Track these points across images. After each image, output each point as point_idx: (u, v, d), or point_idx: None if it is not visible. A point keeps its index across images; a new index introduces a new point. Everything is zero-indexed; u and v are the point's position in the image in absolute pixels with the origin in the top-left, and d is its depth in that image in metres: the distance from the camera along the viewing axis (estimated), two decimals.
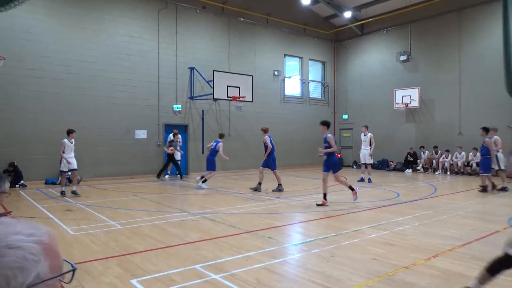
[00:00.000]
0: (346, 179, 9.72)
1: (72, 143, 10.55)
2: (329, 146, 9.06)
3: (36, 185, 12.59)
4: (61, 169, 10.71)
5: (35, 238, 0.81)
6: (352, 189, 9.08)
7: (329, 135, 9.17)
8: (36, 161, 12.98)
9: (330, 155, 9.10)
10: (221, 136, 12.66)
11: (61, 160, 10.66)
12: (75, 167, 10.56)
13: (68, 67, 13.65)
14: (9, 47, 12.36)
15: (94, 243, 5.58)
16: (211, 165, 12.20)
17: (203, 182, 12.12)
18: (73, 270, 0.90)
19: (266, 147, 11.56)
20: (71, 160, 10.42)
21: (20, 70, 12.68)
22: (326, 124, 9.39)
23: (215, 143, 12.27)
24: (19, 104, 12.73)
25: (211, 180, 12.72)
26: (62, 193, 10.37)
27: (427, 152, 18.02)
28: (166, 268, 4.46)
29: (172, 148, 14.39)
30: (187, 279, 4.11)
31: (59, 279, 0.84)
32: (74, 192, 10.31)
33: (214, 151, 12.14)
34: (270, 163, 11.47)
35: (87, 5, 14.13)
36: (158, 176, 14.58)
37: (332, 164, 9.06)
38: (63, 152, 10.31)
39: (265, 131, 11.84)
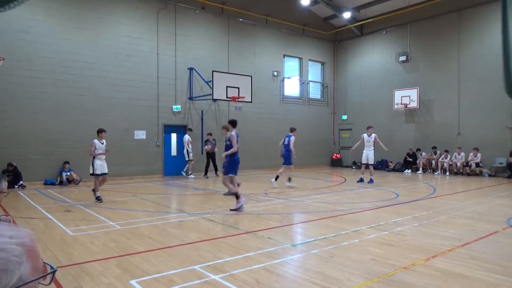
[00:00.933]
0: (238, 186, 8.91)
1: (103, 143, 9.67)
2: (231, 146, 8.51)
3: (35, 185, 12.58)
4: (95, 172, 9.46)
5: (17, 240, 0.80)
6: (238, 197, 8.22)
7: (233, 133, 8.59)
8: (35, 162, 12.97)
9: (231, 155, 8.54)
10: (293, 130, 12.53)
11: (92, 162, 9.49)
12: (107, 171, 9.69)
13: (68, 68, 13.65)
14: (9, 47, 12.35)
15: (94, 244, 5.57)
16: (288, 160, 12.31)
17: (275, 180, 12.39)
18: (53, 272, 0.89)
19: (229, 146, 9.27)
20: (103, 162, 9.60)
21: (20, 70, 12.67)
22: (231, 123, 8.80)
23: (287, 138, 12.31)
24: (19, 104, 12.72)
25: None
26: (98, 198, 9.39)
27: (424, 153, 18.02)
28: (165, 268, 4.46)
29: (208, 146, 15.71)
30: (186, 279, 4.11)
31: (39, 282, 0.84)
32: (98, 198, 9.37)
33: (288, 146, 12.18)
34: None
35: (87, 6, 14.13)
36: (205, 175, 15.89)
37: (231, 165, 8.54)
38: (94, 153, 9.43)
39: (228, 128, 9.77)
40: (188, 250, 5.24)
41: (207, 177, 15.76)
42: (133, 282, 4.04)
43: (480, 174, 16.00)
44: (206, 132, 16.46)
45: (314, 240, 5.75)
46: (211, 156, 16.07)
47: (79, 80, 13.89)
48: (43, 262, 0.88)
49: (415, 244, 5.49)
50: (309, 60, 21.69)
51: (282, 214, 8.07)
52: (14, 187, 11.82)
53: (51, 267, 0.90)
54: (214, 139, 16.31)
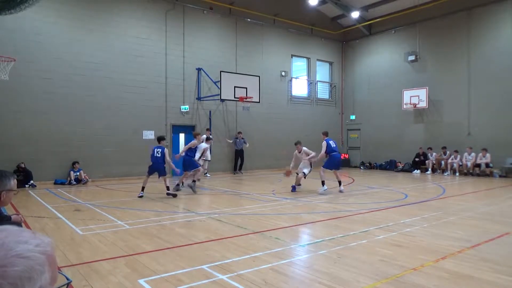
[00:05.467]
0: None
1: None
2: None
3: (45, 185, 12.73)
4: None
5: (41, 249, 0.82)
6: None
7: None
8: (45, 161, 13.11)
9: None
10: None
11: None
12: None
13: (78, 68, 13.78)
14: (20, 48, 12.51)
15: (102, 243, 5.62)
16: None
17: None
18: (68, 283, 0.90)
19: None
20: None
21: (30, 71, 12.83)
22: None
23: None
24: (30, 105, 12.88)
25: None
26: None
27: (434, 153, 17.85)
28: (173, 268, 4.48)
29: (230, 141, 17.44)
30: (194, 279, 4.13)
31: None
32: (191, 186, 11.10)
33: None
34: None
35: (96, 7, 14.26)
36: (234, 170, 17.36)
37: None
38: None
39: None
40: (196, 250, 5.26)
41: (235, 173, 17.23)
42: (141, 281, 4.07)
43: (491, 174, 15.80)
44: (237, 131, 17.64)
45: (322, 241, 5.73)
46: (239, 153, 17.25)
47: (88, 80, 14.01)
48: (59, 272, 0.89)
49: (424, 245, 5.44)
50: (317, 60, 21.63)
51: (290, 214, 8.06)
52: (24, 187, 11.97)
53: (67, 278, 0.91)
54: (243, 138, 17.28)
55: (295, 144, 11.48)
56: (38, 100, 13.04)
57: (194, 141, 11.14)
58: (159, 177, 10.45)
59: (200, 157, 12.96)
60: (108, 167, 14.40)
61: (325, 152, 11.15)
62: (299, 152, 11.40)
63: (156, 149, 10.30)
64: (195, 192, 10.97)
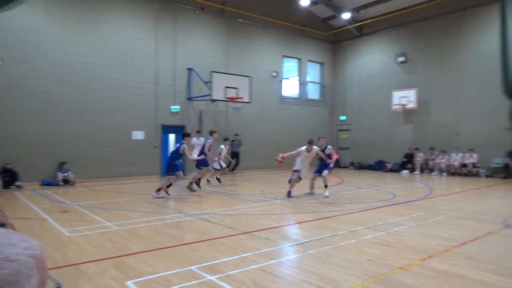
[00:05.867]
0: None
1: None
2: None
3: (32, 186, 12.54)
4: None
5: (30, 252, 0.80)
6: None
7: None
8: (34, 162, 12.90)
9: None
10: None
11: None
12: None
13: (69, 68, 13.60)
14: (12, 48, 12.33)
15: (90, 244, 5.56)
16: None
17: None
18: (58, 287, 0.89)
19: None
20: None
21: (23, 71, 12.63)
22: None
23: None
24: (23, 105, 12.66)
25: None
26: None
27: (421, 154, 18.03)
28: (162, 269, 4.46)
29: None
30: (183, 280, 4.11)
31: None
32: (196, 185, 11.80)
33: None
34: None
35: (87, 7, 14.10)
36: (232, 170, 17.12)
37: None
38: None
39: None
40: (185, 251, 5.24)
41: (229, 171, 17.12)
42: (129, 283, 4.04)
43: (477, 174, 16.02)
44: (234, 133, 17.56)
45: (310, 241, 5.75)
46: (235, 155, 17.15)
47: (79, 80, 13.83)
48: (49, 277, 0.88)
49: (412, 245, 5.50)
50: (308, 60, 21.71)
51: (279, 214, 8.07)
52: (10, 188, 11.78)
53: (57, 283, 0.90)
54: (240, 140, 17.38)
55: (309, 142, 10.32)
56: (31, 100, 12.84)
57: (210, 140, 11.85)
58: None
59: (219, 160, 13.37)
60: (97, 168, 14.25)
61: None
62: (308, 151, 10.30)
63: (176, 144, 10.98)
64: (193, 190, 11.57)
